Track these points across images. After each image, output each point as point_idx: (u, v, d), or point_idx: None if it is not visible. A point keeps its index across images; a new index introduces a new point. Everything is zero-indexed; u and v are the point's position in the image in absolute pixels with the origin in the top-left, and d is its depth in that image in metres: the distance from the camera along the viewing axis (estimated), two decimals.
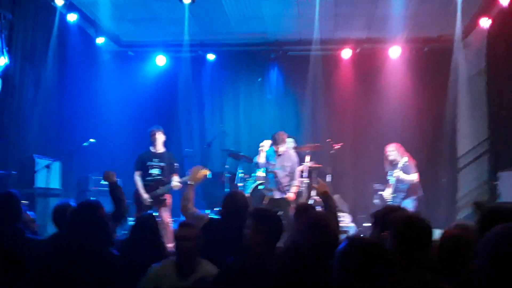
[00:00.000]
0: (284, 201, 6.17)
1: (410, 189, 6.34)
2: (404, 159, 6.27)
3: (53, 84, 7.28)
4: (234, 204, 3.50)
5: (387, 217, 2.69)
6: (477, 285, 1.62)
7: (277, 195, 6.26)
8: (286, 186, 6.32)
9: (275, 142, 6.32)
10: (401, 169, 6.25)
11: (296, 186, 6.35)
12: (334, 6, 7.39)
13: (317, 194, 3.87)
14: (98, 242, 2.76)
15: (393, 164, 6.34)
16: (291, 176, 6.34)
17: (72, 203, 3.69)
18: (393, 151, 6.37)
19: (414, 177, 6.30)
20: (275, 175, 6.21)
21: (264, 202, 6.30)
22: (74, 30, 7.72)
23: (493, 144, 7.02)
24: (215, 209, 7.10)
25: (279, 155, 6.38)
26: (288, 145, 7.62)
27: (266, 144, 6.39)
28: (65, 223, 3.01)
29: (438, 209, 7.54)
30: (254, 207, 3.39)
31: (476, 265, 1.50)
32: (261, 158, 6.39)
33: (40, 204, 5.96)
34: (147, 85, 9.04)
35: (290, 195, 6.22)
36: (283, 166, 6.32)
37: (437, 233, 2.37)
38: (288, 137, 7.77)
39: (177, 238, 3.01)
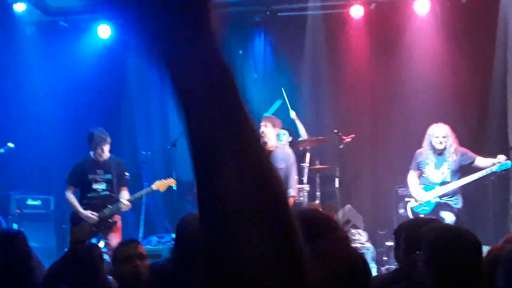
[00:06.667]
0: None
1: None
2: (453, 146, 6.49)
3: None
4: (186, 237, 3.36)
5: (416, 232, 2.69)
6: None
7: None
8: None
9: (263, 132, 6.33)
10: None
11: (292, 196, 6.33)
12: None
13: None
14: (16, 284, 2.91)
15: (439, 154, 6.49)
16: (285, 182, 6.32)
17: None
18: (445, 136, 6.49)
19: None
20: None
21: None
22: None
23: None
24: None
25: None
26: (281, 139, 7.61)
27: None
28: None
29: (485, 219, 7.54)
30: None
31: None
32: None
33: None
34: (88, 66, 8.94)
35: None
36: None
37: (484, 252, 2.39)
38: (281, 128, 7.78)
39: (128, 257, 3.14)
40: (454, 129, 7.28)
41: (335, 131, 7.48)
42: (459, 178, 6.49)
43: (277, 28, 9.05)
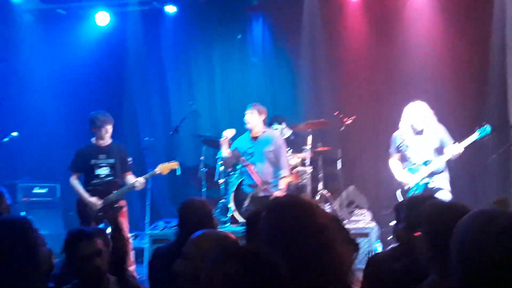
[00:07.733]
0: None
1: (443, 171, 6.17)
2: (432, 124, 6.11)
3: None
4: (190, 219, 3.46)
5: (416, 209, 2.69)
6: None
7: (260, 192, 6.32)
8: (271, 179, 6.36)
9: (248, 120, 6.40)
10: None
11: (284, 177, 6.36)
12: None
13: None
14: (24, 274, 2.72)
15: (419, 134, 6.16)
16: (277, 164, 6.40)
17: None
18: (425, 115, 6.09)
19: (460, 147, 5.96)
20: (248, 169, 6.28)
21: (245, 203, 6.35)
22: None
23: None
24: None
25: (255, 138, 6.42)
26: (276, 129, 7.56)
27: (229, 134, 6.40)
28: None
29: (484, 199, 7.47)
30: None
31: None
32: (224, 151, 6.44)
33: None
34: (87, 53, 8.95)
35: (277, 193, 6.20)
36: (263, 153, 6.37)
37: None
38: (276, 119, 7.71)
39: (84, 257, 2.93)
40: (450, 110, 7.30)
41: (336, 113, 7.46)
42: (441, 155, 6.07)
43: (275, 12, 8.99)
